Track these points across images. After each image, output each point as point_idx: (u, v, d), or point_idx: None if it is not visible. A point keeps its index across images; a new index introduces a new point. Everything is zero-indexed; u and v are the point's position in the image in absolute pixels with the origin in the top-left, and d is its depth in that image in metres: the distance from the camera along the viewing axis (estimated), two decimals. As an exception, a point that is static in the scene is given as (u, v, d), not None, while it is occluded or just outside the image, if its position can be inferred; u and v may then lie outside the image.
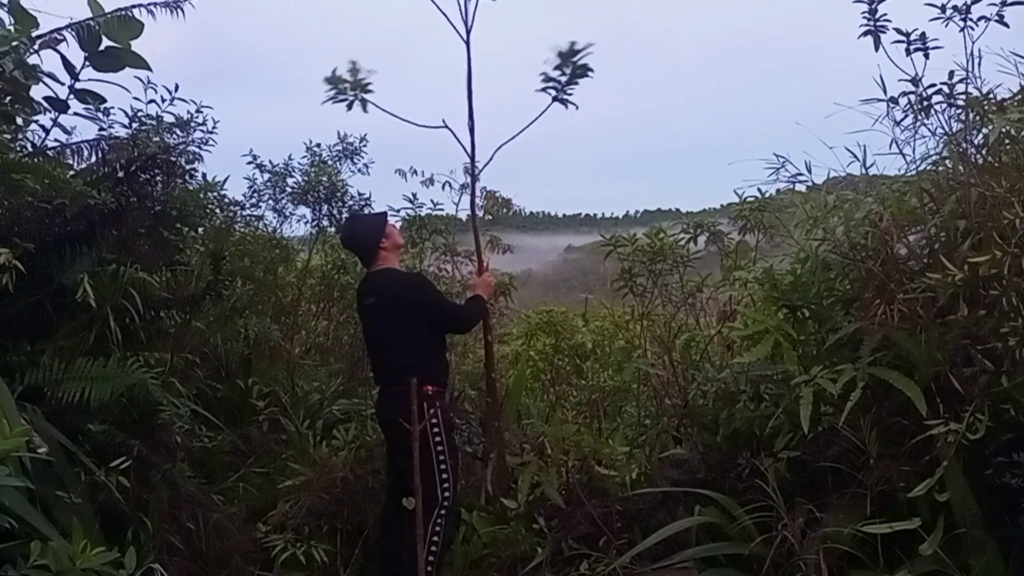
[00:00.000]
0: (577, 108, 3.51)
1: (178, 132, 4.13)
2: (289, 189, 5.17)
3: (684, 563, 2.89)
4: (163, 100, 4.02)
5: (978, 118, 2.85)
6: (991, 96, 2.87)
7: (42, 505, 2.35)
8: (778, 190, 3.65)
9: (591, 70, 3.47)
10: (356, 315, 4.05)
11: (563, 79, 3.49)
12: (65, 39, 3.48)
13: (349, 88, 3.54)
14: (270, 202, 5.23)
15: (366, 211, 5.07)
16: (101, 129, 3.87)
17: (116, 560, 2.14)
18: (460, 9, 3.50)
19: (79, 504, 2.51)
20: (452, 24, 3.53)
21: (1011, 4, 2.79)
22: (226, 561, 3.30)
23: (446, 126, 3.56)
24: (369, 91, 3.56)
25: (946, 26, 2.85)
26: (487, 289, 3.65)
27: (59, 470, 2.53)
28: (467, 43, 3.52)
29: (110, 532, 2.63)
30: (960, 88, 2.88)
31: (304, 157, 5.19)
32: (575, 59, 3.44)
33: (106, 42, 3.57)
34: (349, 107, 3.56)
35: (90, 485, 2.72)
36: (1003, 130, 2.65)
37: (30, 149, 3.55)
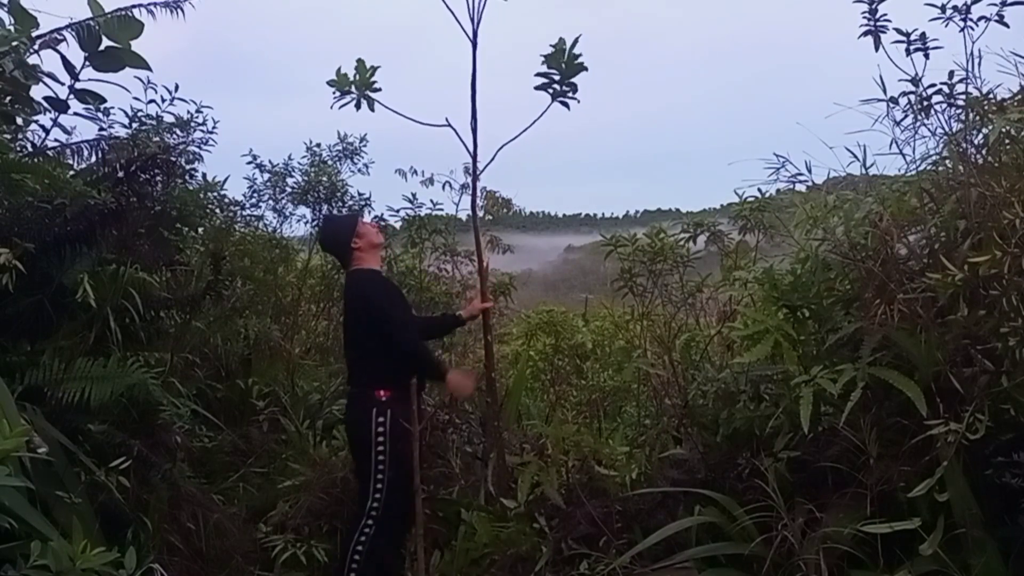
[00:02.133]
0: (579, 102, 3.52)
1: (178, 132, 4.14)
2: (289, 189, 5.18)
3: (684, 563, 2.88)
4: (163, 100, 4.04)
5: (978, 118, 2.84)
6: (991, 96, 2.86)
7: (42, 505, 2.35)
8: (778, 190, 3.65)
9: (585, 68, 3.47)
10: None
11: (558, 77, 3.50)
12: (65, 39, 3.48)
13: (355, 87, 3.55)
14: (270, 202, 5.25)
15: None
16: (101, 129, 3.88)
17: (116, 560, 2.14)
18: (468, 7, 3.49)
19: (79, 504, 2.51)
20: (459, 22, 3.52)
21: (1011, 4, 2.78)
22: (226, 561, 3.30)
23: (449, 124, 3.56)
24: (376, 89, 3.58)
25: (946, 26, 2.85)
26: (457, 382, 3.37)
27: (59, 470, 2.53)
28: (473, 42, 3.51)
29: (110, 532, 2.63)
30: (960, 88, 2.87)
31: (304, 157, 5.22)
32: (565, 57, 3.43)
33: (106, 42, 3.58)
34: (358, 106, 3.60)
35: (90, 485, 2.72)
36: (1003, 130, 2.64)
37: (30, 149, 3.55)
